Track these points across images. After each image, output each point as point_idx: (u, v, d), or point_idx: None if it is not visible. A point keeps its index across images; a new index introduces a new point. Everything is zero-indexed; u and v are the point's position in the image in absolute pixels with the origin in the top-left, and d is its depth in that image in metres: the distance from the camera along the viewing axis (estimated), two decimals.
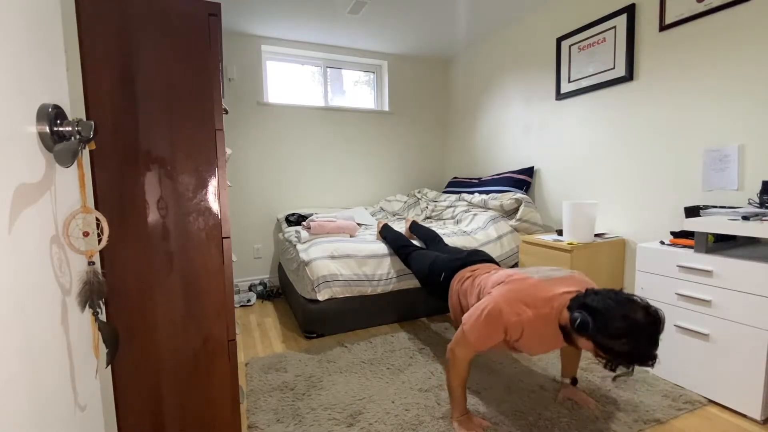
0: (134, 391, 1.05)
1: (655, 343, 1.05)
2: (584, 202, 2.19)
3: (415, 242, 2.37)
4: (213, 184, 1.09)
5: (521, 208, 2.67)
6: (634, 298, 1.11)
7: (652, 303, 1.11)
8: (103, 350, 0.84)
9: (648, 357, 1.05)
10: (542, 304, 1.22)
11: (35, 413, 0.56)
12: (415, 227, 2.56)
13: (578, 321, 1.10)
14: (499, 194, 2.88)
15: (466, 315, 1.35)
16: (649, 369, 1.75)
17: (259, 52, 3.27)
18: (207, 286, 1.10)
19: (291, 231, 2.81)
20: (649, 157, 2.18)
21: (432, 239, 2.36)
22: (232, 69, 3.17)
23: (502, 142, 3.30)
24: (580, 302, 1.14)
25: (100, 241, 0.77)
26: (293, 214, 3.19)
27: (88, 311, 0.78)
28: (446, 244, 2.31)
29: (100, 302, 0.78)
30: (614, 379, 1.68)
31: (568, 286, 1.26)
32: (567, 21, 2.62)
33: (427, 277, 1.92)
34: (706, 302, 1.54)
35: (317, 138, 3.53)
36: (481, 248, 2.54)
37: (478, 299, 1.45)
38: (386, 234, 2.43)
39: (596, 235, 2.34)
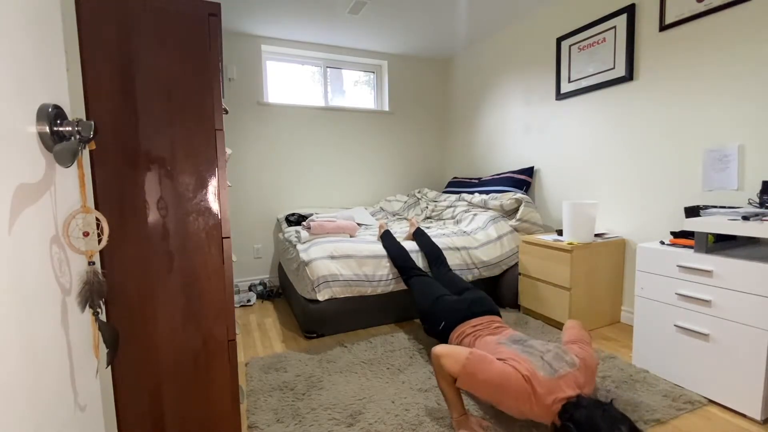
0: (134, 391, 1.05)
1: None
2: (584, 202, 2.19)
3: (416, 252, 2.37)
4: (213, 184, 1.09)
5: (521, 208, 2.67)
6: (621, 417, 1.12)
7: (638, 423, 1.13)
8: (103, 350, 0.85)
9: None
10: (541, 405, 1.23)
11: (35, 413, 0.56)
12: (419, 236, 2.52)
13: None
14: (499, 194, 2.88)
15: (479, 351, 1.33)
16: (649, 369, 1.75)
17: (259, 52, 3.27)
18: (207, 286, 1.10)
19: (291, 231, 2.81)
20: (649, 157, 2.18)
21: (436, 259, 2.33)
22: (232, 69, 3.17)
23: (502, 142, 3.30)
24: (570, 414, 1.16)
25: (100, 241, 0.77)
26: (293, 214, 3.19)
27: (88, 311, 0.78)
28: (449, 269, 2.28)
29: (100, 302, 0.78)
30: None
31: (570, 386, 1.25)
32: (567, 21, 2.62)
33: (427, 317, 1.91)
34: (706, 302, 1.54)
35: (317, 138, 3.54)
36: (481, 248, 2.54)
37: None
38: (387, 245, 2.38)
39: (596, 235, 2.34)
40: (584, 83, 2.50)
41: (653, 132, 2.16)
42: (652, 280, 1.73)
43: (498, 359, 1.32)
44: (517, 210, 2.73)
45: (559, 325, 2.29)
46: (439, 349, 1.35)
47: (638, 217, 2.26)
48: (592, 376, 1.36)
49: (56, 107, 0.66)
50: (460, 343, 1.67)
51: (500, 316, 1.80)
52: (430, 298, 1.94)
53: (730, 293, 1.46)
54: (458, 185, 3.56)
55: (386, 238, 2.43)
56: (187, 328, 1.09)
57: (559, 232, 2.40)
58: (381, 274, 2.27)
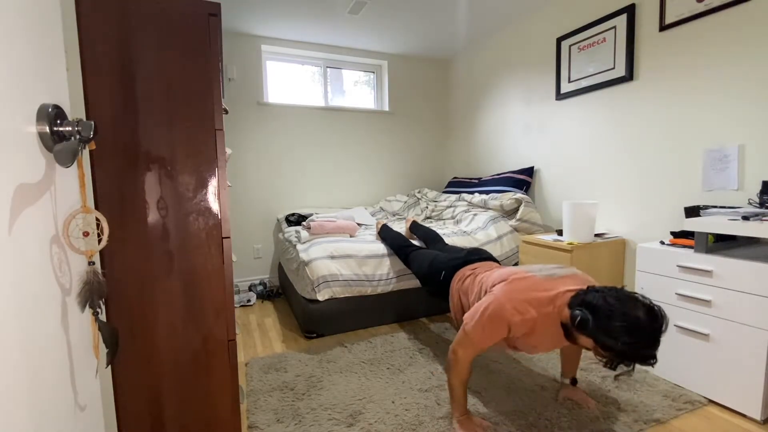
0: (134, 391, 1.05)
1: (656, 343, 1.04)
2: (584, 202, 2.19)
3: (415, 242, 2.37)
4: (213, 184, 1.09)
5: (521, 208, 2.67)
6: (636, 295, 1.10)
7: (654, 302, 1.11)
8: (103, 350, 0.84)
9: (648, 356, 1.05)
10: (545, 303, 1.21)
11: (35, 413, 0.56)
12: (415, 227, 2.55)
13: (578, 319, 1.10)
14: (499, 194, 2.88)
15: (467, 314, 1.34)
16: (649, 369, 1.75)
17: (259, 52, 3.27)
18: (207, 286, 1.10)
19: (291, 231, 2.81)
20: (649, 157, 2.18)
21: (432, 239, 2.36)
22: (232, 69, 3.17)
23: (502, 142, 3.30)
24: (581, 299, 1.13)
25: (100, 241, 0.77)
26: (293, 214, 3.19)
27: (88, 311, 0.78)
28: (446, 243, 2.30)
29: (100, 302, 0.78)
30: (615, 378, 1.68)
31: (571, 283, 1.25)
32: (567, 21, 2.62)
33: (427, 276, 1.91)
34: (706, 302, 1.54)
35: (317, 138, 3.54)
36: (481, 248, 2.54)
37: (479, 298, 1.44)
38: (385, 235, 2.42)
39: (596, 235, 2.34)
40: (584, 83, 2.50)
41: (653, 132, 2.15)
42: (652, 280, 1.73)
43: (493, 285, 1.36)
44: (517, 210, 2.73)
45: None
46: (453, 345, 1.36)
47: (638, 217, 2.26)
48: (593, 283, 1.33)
49: (56, 107, 0.66)
50: (461, 285, 1.65)
51: (498, 263, 1.79)
52: (428, 259, 1.96)
53: (730, 293, 1.46)
54: (458, 185, 3.56)
55: (384, 229, 2.47)
56: (187, 328, 1.09)
57: (559, 232, 2.40)
58: (381, 274, 2.27)
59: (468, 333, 1.30)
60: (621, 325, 1.04)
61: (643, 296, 1.10)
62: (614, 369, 1.09)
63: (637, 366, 1.09)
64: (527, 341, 1.27)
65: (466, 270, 1.70)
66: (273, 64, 3.47)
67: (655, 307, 1.07)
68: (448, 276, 1.76)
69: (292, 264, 2.50)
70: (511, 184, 2.93)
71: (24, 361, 0.54)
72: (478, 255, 1.81)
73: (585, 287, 1.21)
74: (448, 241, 2.51)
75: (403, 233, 2.60)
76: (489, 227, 2.67)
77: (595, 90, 2.45)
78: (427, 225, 3.05)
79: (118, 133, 0.98)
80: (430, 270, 1.90)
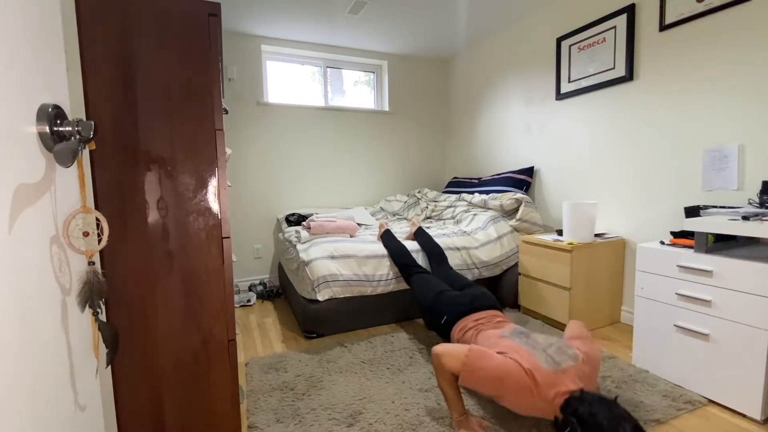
0: (134, 391, 1.05)
1: None
2: (584, 202, 2.19)
3: (417, 252, 2.36)
4: (213, 184, 1.09)
5: (521, 208, 2.67)
6: (625, 415, 1.11)
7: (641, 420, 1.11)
8: (103, 350, 0.84)
9: None
10: (543, 399, 1.22)
11: (35, 413, 0.56)
12: (420, 235, 2.51)
13: (568, 430, 1.13)
14: (499, 194, 2.88)
15: (478, 347, 1.32)
16: (649, 368, 1.75)
17: (259, 52, 3.27)
18: (207, 286, 1.10)
19: (291, 231, 2.81)
20: (649, 157, 2.18)
21: (437, 258, 2.33)
22: (232, 69, 3.17)
23: (502, 142, 3.30)
24: (573, 408, 1.15)
25: (100, 241, 0.77)
26: (293, 214, 3.19)
27: (88, 311, 0.78)
28: (450, 267, 2.28)
29: (100, 302, 0.78)
30: None
31: (572, 381, 1.24)
32: (567, 21, 2.62)
33: (427, 312, 1.91)
34: (706, 302, 1.54)
35: (317, 138, 3.54)
36: (481, 248, 2.54)
37: None
38: (388, 244, 2.37)
39: (596, 235, 2.34)
40: (584, 83, 2.50)
41: (653, 132, 2.15)
42: (652, 280, 1.73)
43: (499, 353, 1.32)
44: (517, 210, 2.73)
45: (558, 325, 2.29)
46: (439, 348, 1.35)
47: (638, 217, 2.26)
48: (595, 371, 1.35)
49: (56, 107, 0.66)
50: (462, 337, 1.66)
51: (502, 311, 1.79)
52: (431, 293, 1.94)
53: (730, 293, 1.46)
54: (458, 185, 3.56)
55: (387, 237, 2.43)
56: (187, 328, 1.09)
57: (559, 232, 2.40)
58: (381, 274, 2.27)
59: (468, 357, 1.28)
60: None
61: (630, 416, 1.12)
62: None
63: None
64: (512, 406, 1.29)
65: (468, 321, 1.69)
66: (273, 64, 3.47)
67: (642, 429, 1.09)
68: (449, 322, 1.76)
69: (292, 264, 2.50)
70: (511, 184, 2.93)
71: (24, 361, 0.54)
72: (483, 302, 1.78)
73: (584, 385, 1.24)
74: (448, 241, 2.51)
75: (406, 237, 2.59)
76: (489, 227, 2.67)
77: (595, 90, 2.45)
78: (427, 226, 3.05)
79: (118, 133, 0.98)
80: (432, 305, 1.88)
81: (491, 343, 1.45)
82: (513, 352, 1.32)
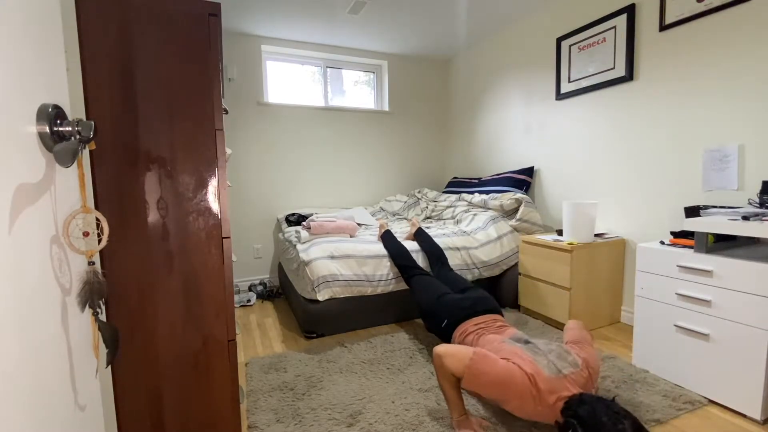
0: (134, 391, 1.05)
1: None
2: (584, 202, 2.19)
3: (417, 253, 2.36)
4: (213, 184, 1.09)
5: (521, 208, 2.67)
6: (624, 413, 1.12)
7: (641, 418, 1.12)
8: (103, 350, 0.84)
9: None
10: (545, 404, 1.23)
11: (35, 413, 0.56)
12: (420, 236, 2.51)
13: (570, 431, 1.14)
14: (499, 194, 2.87)
15: (481, 350, 1.32)
16: (649, 368, 1.75)
17: (259, 52, 3.27)
18: (207, 286, 1.10)
19: (291, 231, 2.81)
20: (649, 157, 2.18)
21: (437, 259, 2.33)
22: (232, 69, 3.17)
23: (502, 142, 3.30)
24: (573, 410, 1.15)
25: (100, 241, 0.77)
26: (293, 214, 3.19)
27: (88, 311, 0.78)
28: (450, 268, 2.28)
29: (100, 302, 0.78)
30: None
31: (573, 386, 1.25)
32: (567, 21, 2.62)
33: (428, 314, 1.91)
34: (706, 302, 1.54)
35: (317, 138, 3.54)
36: (481, 248, 2.54)
37: None
38: (388, 245, 2.37)
39: (596, 235, 2.34)
40: (584, 83, 2.50)
41: (653, 132, 2.15)
42: (652, 280, 1.73)
43: (501, 358, 1.32)
44: (517, 210, 2.73)
45: (559, 325, 2.29)
46: (442, 348, 1.34)
47: (638, 217, 2.26)
48: (595, 376, 1.36)
49: (56, 107, 0.66)
50: (462, 341, 1.67)
51: (503, 315, 1.79)
52: (432, 296, 1.93)
53: (730, 293, 1.46)
54: (458, 185, 3.56)
55: (387, 237, 2.43)
56: (187, 328, 1.09)
57: (559, 232, 2.40)
58: (381, 274, 2.27)
59: (472, 359, 1.28)
60: None
61: (629, 414, 1.13)
62: None
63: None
64: (513, 410, 1.29)
65: (469, 325, 1.69)
66: (273, 64, 3.47)
67: (644, 429, 1.10)
68: (450, 325, 1.76)
69: (292, 264, 2.50)
70: (511, 184, 2.93)
71: (24, 361, 0.54)
72: (484, 306, 1.78)
73: (583, 389, 1.25)
74: (448, 241, 2.51)
75: (406, 237, 2.59)
76: (489, 227, 2.67)
77: (595, 90, 2.45)
78: (427, 226, 3.05)
79: (118, 133, 0.98)
80: (433, 308, 1.88)
81: (493, 349, 1.45)
82: (515, 357, 1.32)
